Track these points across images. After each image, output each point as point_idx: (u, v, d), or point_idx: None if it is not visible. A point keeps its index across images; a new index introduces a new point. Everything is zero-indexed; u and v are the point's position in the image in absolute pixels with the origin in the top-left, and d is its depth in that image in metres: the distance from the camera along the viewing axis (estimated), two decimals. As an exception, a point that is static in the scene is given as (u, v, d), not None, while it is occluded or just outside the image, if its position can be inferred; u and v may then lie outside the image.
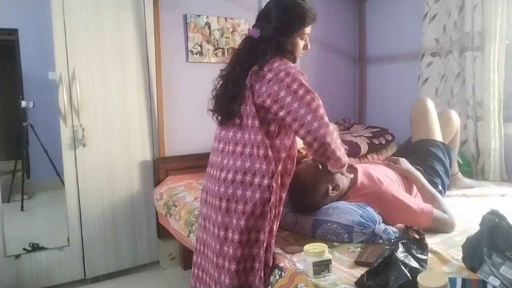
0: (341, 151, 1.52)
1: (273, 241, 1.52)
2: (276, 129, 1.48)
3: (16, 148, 2.77)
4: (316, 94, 1.45)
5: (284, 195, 1.54)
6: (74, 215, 2.47)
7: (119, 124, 2.56)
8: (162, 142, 2.70)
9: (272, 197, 1.45)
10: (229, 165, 1.48)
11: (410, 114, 2.38)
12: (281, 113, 1.43)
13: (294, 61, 1.58)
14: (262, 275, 1.46)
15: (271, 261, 1.50)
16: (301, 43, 1.58)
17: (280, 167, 1.48)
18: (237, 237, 1.43)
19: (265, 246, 1.47)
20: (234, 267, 1.43)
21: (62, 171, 2.48)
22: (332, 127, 1.48)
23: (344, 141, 2.80)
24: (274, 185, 1.46)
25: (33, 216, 2.77)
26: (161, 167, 2.67)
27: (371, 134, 2.99)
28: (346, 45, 3.60)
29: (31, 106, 2.60)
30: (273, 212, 1.48)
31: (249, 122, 1.47)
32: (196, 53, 2.83)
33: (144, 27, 2.59)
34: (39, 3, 2.52)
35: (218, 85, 1.59)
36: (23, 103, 2.59)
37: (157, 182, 2.66)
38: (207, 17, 2.85)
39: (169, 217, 2.30)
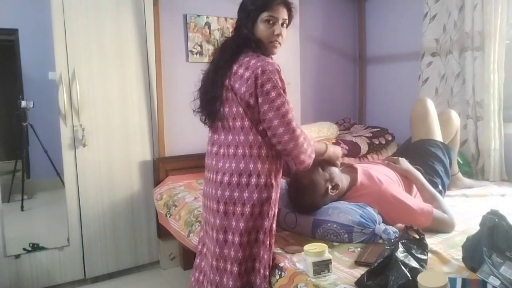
0: (306, 153, 1.47)
1: (273, 240, 1.52)
2: (264, 128, 1.47)
3: (16, 148, 2.77)
4: (287, 98, 1.43)
5: (279, 191, 1.54)
6: (74, 215, 2.47)
7: (119, 124, 2.56)
8: (162, 142, 2.70)
9: (272, 195, 1.46)
10: (225, 167, 1.47)
11: (410, 114, 2.38)
12: (261, 111, 1.43)
13: (267, 50, 1.52)
14: (267, 273, 1.47)
15: (271, 261, 1.50)
16: (265, 28, 1.49)
17: (276, 164, 1.48)
18: (238, 239, 1.43)
19: (265, 246, 1.47)
20: (236, 269, 1.44)
21: (62, 171, 2.47)
22: (300, 131, 1.45)
23: (344, 141, 2.81)
24: (274, 182, 1.46)
25: (33, 216, 2.77)
26: (161, 167, 2.66)
27: (371, 134, 2.99)
28: (346, 45, 3.60)
29: (31, 106, 2.60)
30: (274, 210, 1.48)
31: (238, 123, 1.46)
32: (196, 53, 2.83)
33: (144, 27, 2.59)
34: (39, 3, 2.52)
35: (200, 86, 1.59)
36: (23, 103, 2.59)
37: (157, 182, 2.66)
38: (207, 17, 2.85)
39: (169, 217, 2.29)
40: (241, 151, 1.45)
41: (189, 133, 2.82)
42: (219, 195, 1.47)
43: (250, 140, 1.44)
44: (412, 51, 3.09)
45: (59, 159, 2.47)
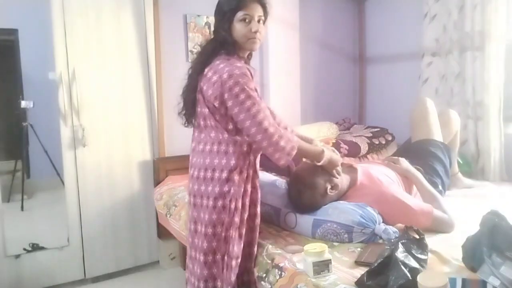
0: (283, 151, 1.49)
1: (256, 235, 1.60)
2: (234, 127, 1.53)
3: (16, 148, 2.77)
4: (257, 99, 1.48)
5: (249, 187, 1.58)
6: (74, 215, 2.47)
7: (119, 124, 2.56)
8: (162, 142, 2.70)
9: (232, 189, 1.51)
10: (197, 163, 1.58)
11: (410, 114, 2.38)
12: (233, 114, 1.49)
13: (245, 49, 1.56)
14: (233, 264, 1.51)
15: (241, 250, 1.55)
16: (242, 27, 1.51)
17: (245, 160, 1.54)
18: (203, 229, 1.53)
19: (234, 239, 1.52)
20: (202, 258, 1.53)
21: (62, 171, 2.48)
22: (274, 129, 1.47)
23: (344, 141, 2.81)
24: (237, 177, 1.51)
25: (33, 216, 2.77)
26: (161, 167, 2.67)
27: (371, 134, 2.99)
28: (346, 45, 3.60)
29: (31, 106, 2.60)
30: (235, 204, 1.52)
31: (208, 122, 1.55)
32: (196, 53, 2.82)
33: (144, 27, 2.59)
34: (39, 3, 2.52)
35: (182, 92, 1.65)
36: (23, 103, 2.59)
37: (157, 182, 2.66)
38: (207, 17, 2.85)
39: (169, 217, 2.30)
40: (209, 147, 1.55)
41: (189, 133, 2.80)
42: (190, 188, 1.60)
43: (220, 137, 1.53)
44: (412, 51, 3.09)
45: (59, 159, 2.47)
